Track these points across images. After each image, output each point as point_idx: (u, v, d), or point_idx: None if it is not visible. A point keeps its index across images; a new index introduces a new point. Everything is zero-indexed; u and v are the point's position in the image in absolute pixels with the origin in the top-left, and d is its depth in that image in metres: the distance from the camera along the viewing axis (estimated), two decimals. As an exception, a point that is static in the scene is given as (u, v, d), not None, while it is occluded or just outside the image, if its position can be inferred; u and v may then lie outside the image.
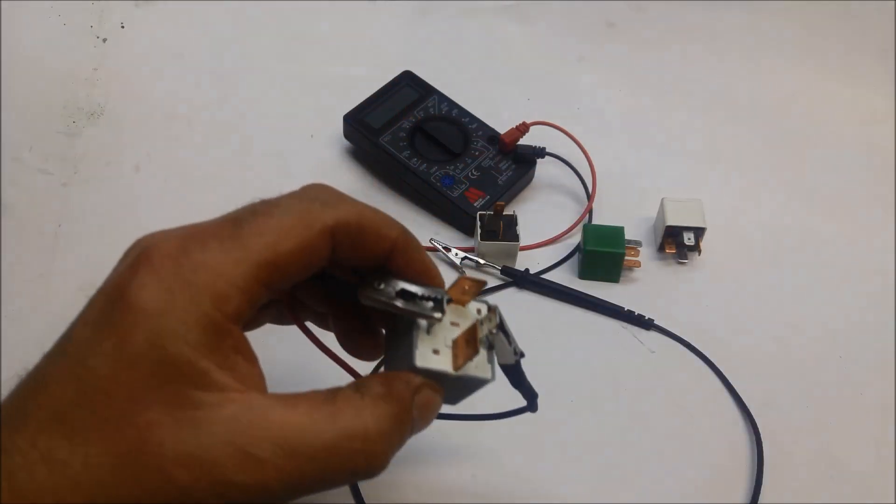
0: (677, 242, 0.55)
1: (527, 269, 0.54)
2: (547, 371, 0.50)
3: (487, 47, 0.70)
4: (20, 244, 0.53)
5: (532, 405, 0.35)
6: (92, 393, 0.24)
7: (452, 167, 0.58)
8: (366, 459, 0.27)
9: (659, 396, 0.49)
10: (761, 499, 0.45)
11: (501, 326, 0.32)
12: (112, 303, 0.25)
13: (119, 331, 0.24)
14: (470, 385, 0.32)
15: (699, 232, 0.55)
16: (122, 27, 0.66)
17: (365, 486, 0.44)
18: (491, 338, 0.31)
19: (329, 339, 0.34)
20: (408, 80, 0.62)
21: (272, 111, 0.64)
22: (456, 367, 0.30)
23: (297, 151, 0.61)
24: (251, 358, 0.27)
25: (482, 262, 0.54)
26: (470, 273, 0.54)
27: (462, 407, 0.35)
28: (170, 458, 0.23)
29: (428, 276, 0.32)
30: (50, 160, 0.59)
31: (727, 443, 0.48)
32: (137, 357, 0.24)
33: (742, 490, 0.46)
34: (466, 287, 0.31)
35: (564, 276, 0.55)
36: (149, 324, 0.24)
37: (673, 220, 0.54)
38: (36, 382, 0.25)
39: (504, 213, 0.53)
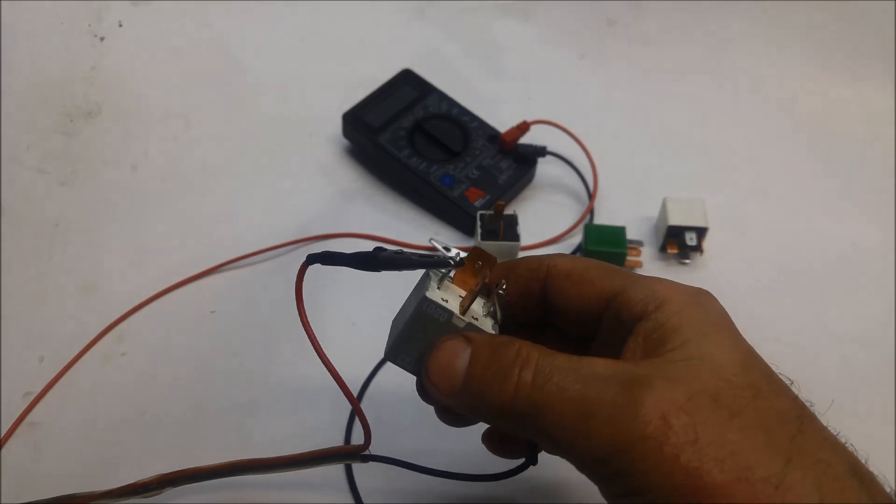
0: (679, 242, 0.55)
1: (527, 269, 0.54)
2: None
3: (487, 45, 0.69)
4: (18, 243, 0.53)
5: (532, 457, 0.35)
6: None
7: (452, 166, 0.57)
8: None
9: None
10: (763, 500, 0.45)
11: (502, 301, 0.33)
12: None
13: None
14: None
15: (701, 232, 0.54)
16: (121, 26, 0.66)
17: (364, 487, 0.44)
18: (494, 301, 0.33)
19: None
20: (407, 79, 0.62)
21: (270, 110, 0.64)
22: (462, 310, 0.32)
23: (295, 150, 0.61)
24: None
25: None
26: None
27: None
28: None
29: None
30: (47, 159, 0.58)
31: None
32: None
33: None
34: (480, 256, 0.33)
35: (565, 276, 0.54)
36: None
37: (675, 220, 0.54)
38: None
39: (504, 213, 0.52)
